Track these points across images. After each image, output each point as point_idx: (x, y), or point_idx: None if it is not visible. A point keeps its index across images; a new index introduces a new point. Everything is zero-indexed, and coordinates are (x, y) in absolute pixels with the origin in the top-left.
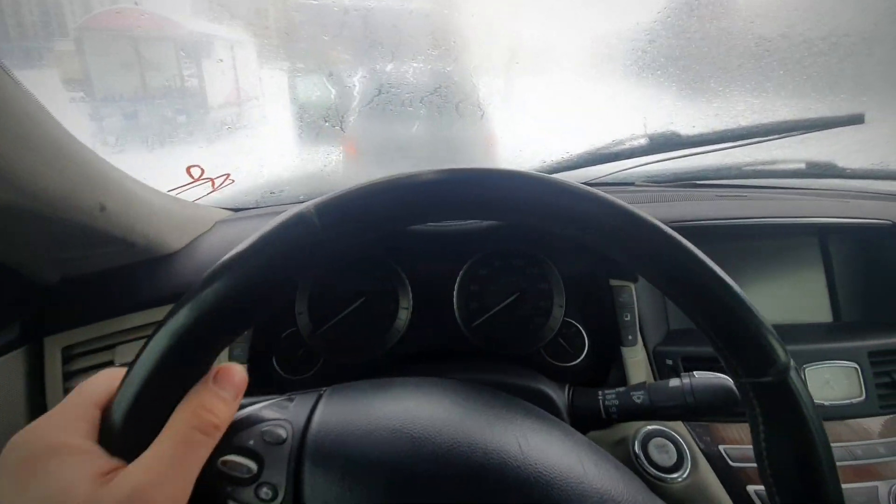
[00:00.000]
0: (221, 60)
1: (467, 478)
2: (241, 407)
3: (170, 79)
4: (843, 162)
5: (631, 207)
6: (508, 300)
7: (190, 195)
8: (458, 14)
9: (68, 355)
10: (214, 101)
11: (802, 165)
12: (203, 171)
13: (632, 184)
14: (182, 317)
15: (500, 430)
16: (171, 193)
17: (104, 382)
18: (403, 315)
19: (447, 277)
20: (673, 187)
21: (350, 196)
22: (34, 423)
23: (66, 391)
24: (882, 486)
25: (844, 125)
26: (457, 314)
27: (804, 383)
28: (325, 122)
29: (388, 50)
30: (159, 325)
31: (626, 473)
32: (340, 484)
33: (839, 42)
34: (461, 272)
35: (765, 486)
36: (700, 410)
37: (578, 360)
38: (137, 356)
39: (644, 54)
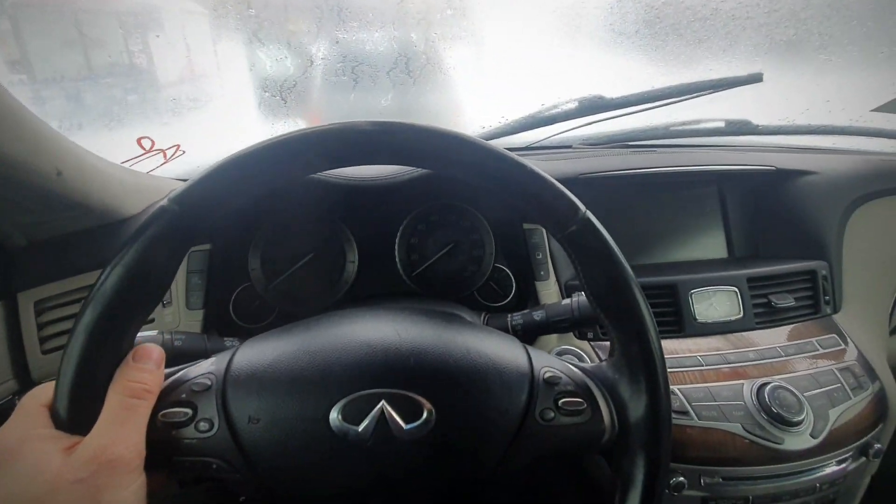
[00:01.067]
0: (158, 36)
1: (356, 367)
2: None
3: (116, 56)
4: (756, 120)
5: (468, 136)
6: (444, 250)
7: (144, 167)
8: None
9: (41, 308)
10: (166, 78)
11: (722, 124)
12: (154, 142)
13: (570, 146)
14: (88, 315)
15: (381, 326)
16: (124, 165)
17: (45, 388)
18: (350, 268)
19: (389, 232)
20: (607, 148)
21: (201, 180)
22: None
23: (41, 339)
24: (746, 384)
25: (746, 84)
26: (399, 265)
27: (601, 227)
28: (281, 94)
29: (339, 17)
30: (75, 322)
31: (498, 343)
32: (257, 398)
33: (719, 8)
34: (401, 227)
35: (593, 309)
36: (583, 322)
37: (507, 299)
38: (64, 349)
39: (578, 20)
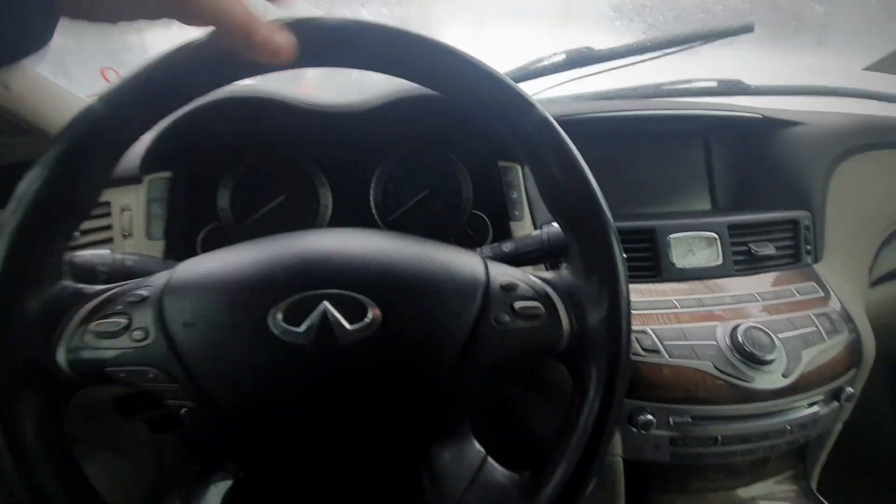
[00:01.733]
0: None
1: (298, 270)
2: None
3: (105, 31)
4: (748, 80)
5: (414, 32)
6: (419, 197)
7: None
8: None
9: None
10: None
11: (714, 84)
12: (118, 73)
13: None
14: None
15: (330, 237)
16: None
17: None
18: (324, 212)
19: (364, 175)
20: (594, 103)
21: (131, 78)
22: None
23: None
24: (720, 326)
25: (736, 34)
26: (374, 210)
27: (558, 126)
28: None
29: None
30: None
31: (453, 252)
32: (194, 303)
33: None
34: (377, 171)
35: (551, 213)
36: (554, 252)
37: (486, 243)
38: None
39: None
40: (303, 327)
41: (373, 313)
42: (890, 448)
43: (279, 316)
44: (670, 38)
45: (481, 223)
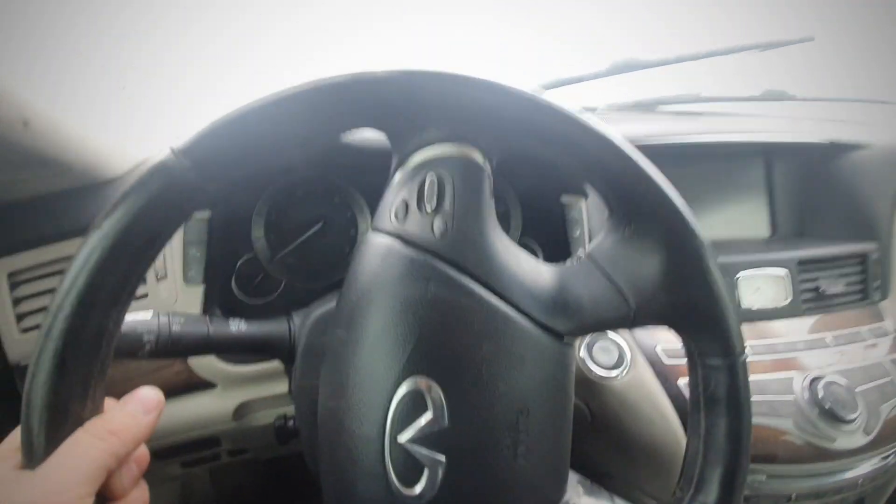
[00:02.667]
0: None
1: None
2: None
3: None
4: (794, 89)
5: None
6: None
7: None
8: None
9: (15, 281)
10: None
11: (758, 93)
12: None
13: (594, 110)
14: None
15: None
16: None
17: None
18: (363, 240)
19: None
20: (634, 112)
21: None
22: None
23: (18, 317)
24: (797, 377)
25: (796, 43)
26: None
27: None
28: None
29: None
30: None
31: None
32: None
33: None
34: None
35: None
36: None
37: None
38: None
39: None
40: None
41: None
42: None
43: None
44: (727, 47)
45: (532, 253)
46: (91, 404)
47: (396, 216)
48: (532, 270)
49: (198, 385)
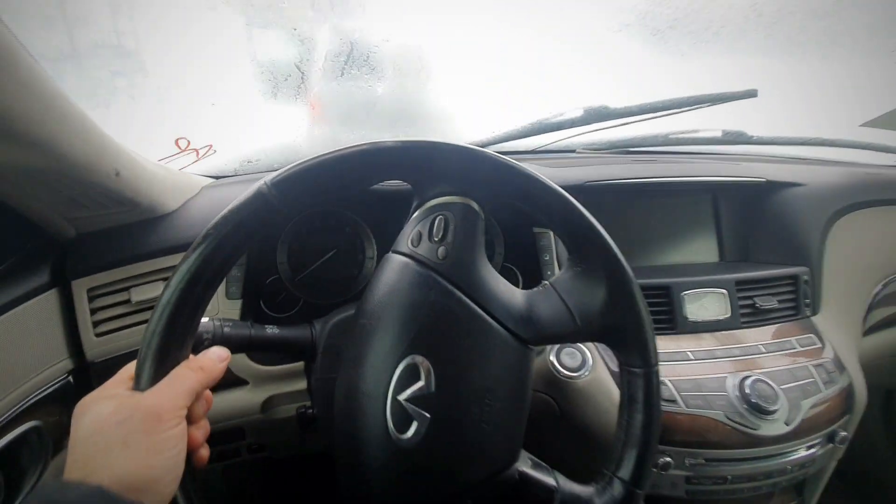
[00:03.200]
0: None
1: None
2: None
3: (103, 35)
4: (750, 131)
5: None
6: None
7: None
8: None
9: (93, 294)
10: (155, 63)
11: (719, 133)
12: (189, 142)
13: (573, 151)
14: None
15: None
16: (161, 163)
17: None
18: (369, 264)
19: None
20: (608, 153)
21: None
22: (89, 395)
23: (94, 323)
24: (730, 377)
25: (741, 98)
26: None
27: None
28: (286, 80)
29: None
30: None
31: None
32: None
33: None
34: None
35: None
36: None
37: None
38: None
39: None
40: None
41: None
42: (884, 473)
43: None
44: (681, 99)
45: (512, 275)
46: (185, 351)
47: (412, 243)
48: (507, 291)
49: (234, 382)
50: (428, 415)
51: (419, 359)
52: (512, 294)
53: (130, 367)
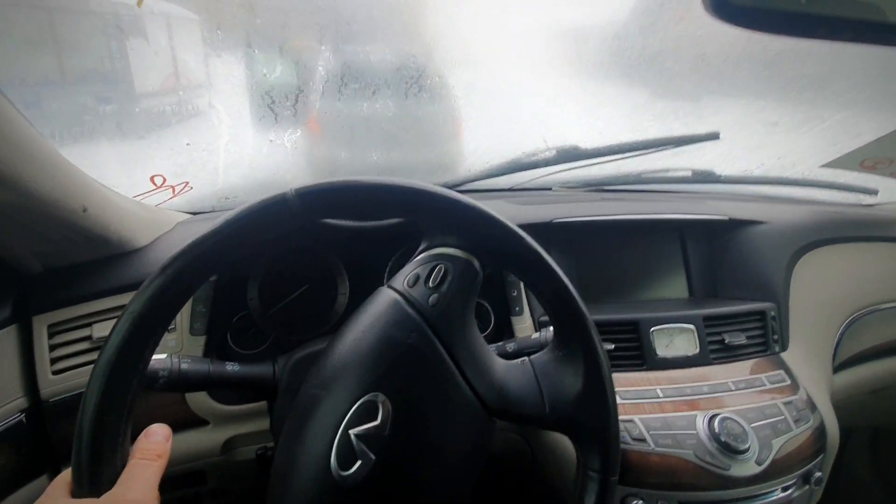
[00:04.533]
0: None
1: None
2: None
3: (92, 62)
4: (718, 170)
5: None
6: None
7: (151, 200)
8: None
9: (53, 331)
10: (147, 88)
11: (689, 173)
12: (165, 179)
13: (549, 189)
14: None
15: None
16: (135, 199)
17: (68, 471)
18: (341, 300)
19: (379, 267)
20: (583, 191)
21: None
22: None
23: (51, 360)
24: (699, 415)
25: (705, 140)
26: None
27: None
28: (281, 104)
29: (351, 28)
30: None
31: None
32: None
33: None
34: (390, 263)
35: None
36: None
37: (487, 331)
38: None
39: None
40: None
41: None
42: None
43: None
44: (648, 141)
45: (484, 311)
46: (127, 439)
47: (408, 283)
48: (485, 357)
49: (193, 422)
50: (373, 456)
51: (381, 397)
52: (489, 360)
53: (65, 475)
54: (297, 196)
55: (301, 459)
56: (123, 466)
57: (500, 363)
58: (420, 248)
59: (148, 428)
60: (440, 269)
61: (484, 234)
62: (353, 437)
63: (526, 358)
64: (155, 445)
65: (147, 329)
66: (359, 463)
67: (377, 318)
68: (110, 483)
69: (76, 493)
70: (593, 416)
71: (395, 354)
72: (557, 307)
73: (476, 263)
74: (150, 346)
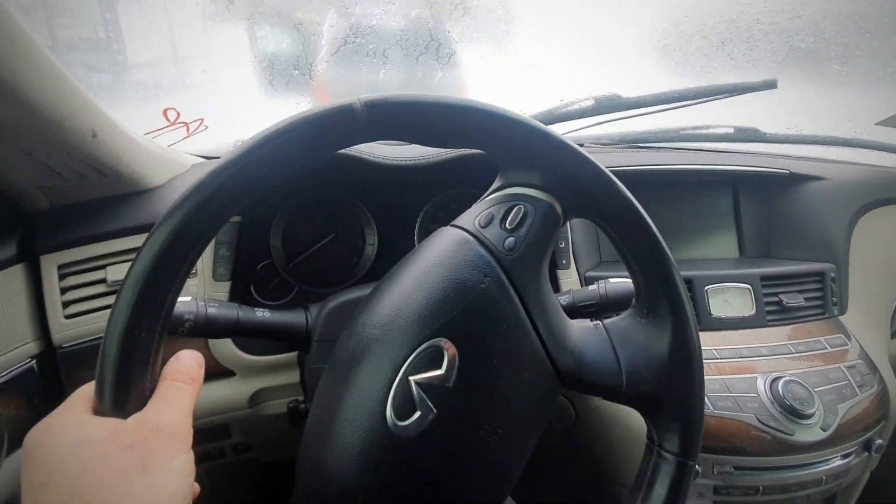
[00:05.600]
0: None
1: None
2: None
3: (87, 30)
4: (764, 127)
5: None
6: None
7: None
8: None
9: (64, 273)
10: (140, 58)
11: (731, 130)
12: (179, 114)
13: (581, 145)
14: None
15: None
16: (148, 136)
17: (90, 384)
18: (369, 251)
19: (409, 216)
20: (618, 148)
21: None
22: (44, 421)
23: (64, 304)
24: (760, 378)
25: (760, 90)
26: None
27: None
28: (295, 70)
29: None
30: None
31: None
32: None
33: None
34: (422, 212)
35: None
36: (610, 306)
37: None
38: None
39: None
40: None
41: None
42: None
43: None
44: (696, 89)
45: None
46: (158, 362)
47: (479, 223)
48: (559, 315)
49: (219, 373)
50: (435, 410)
51: (448, 344)
52: (563, 320)
53: (86, 389)
54: (364, 107)
55: (350, 405)
56: (153, 391)
57: (574, 325)
58: (494, 187)
59: (178, 353)
60: (519, 210)
61: (573, 177)
62: (413, 384)
63: (600, 322)
64: (188, 369)
65: (189, 243)
66: (417, 414)
67: (445, 258)
68: (139, 405)
69: (99, 409)
70: (678, 393)
71: (467, 300)
72: (648, 269)
73: (558, 208)
74: (182, 272)
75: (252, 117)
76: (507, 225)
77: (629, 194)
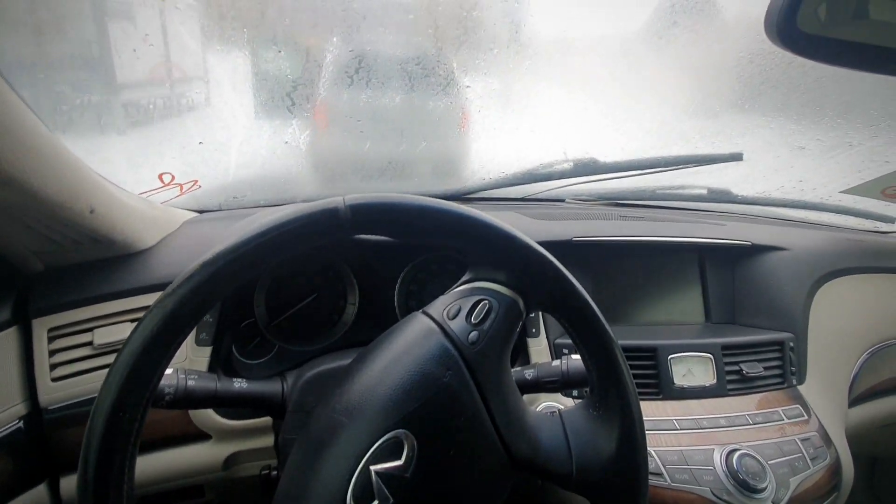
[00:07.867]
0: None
1: None
2: None
3: (80, 47)
4: (735, 189)
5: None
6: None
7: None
8: None
9: (53, 335)
10: (138, 79)
11: (704, 191)
12: (174, 177)
13: (562, 200)
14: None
15: None
16: (142, 196)
17: None
18: (350, 310)
19: (389, 278)
20: (597, 206)
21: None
22: None
23: (51, 366)
24: (717, 450)
25: (727, 161)
26: (397, 310)
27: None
28: (294, 94)
29: (360, 16)
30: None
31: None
32: None
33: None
34: (402, 274)
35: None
36: (571, 383)
37: None
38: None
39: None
40: None
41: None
42: None
43: None
44: (668, 158)
45: None
46: (134, 459)
47: (447, 314)
48: (517, 405)
49: (196, 436)
50: (392, 499)
51: (409, 436)
52: (521, 410)
53: None
54: (348, 209)
55: (314, 488)
56: (131, 491)
57: (530, 413)
58: (465, 278)
59: None
60: (484, 305)
61: (536, 277)
62: (373, 474)
63: (556, 411)
64: None
65: (178, 327)
66: (375, 503)
67: (412, 347)
68: None
69: None
70: (623, 485)
71: (429, 393)
72: (602, 367)
73: (521, 303)
74: (168, 355)
75: (247, 146)
76: (472, 319)
77: (587, 297)
